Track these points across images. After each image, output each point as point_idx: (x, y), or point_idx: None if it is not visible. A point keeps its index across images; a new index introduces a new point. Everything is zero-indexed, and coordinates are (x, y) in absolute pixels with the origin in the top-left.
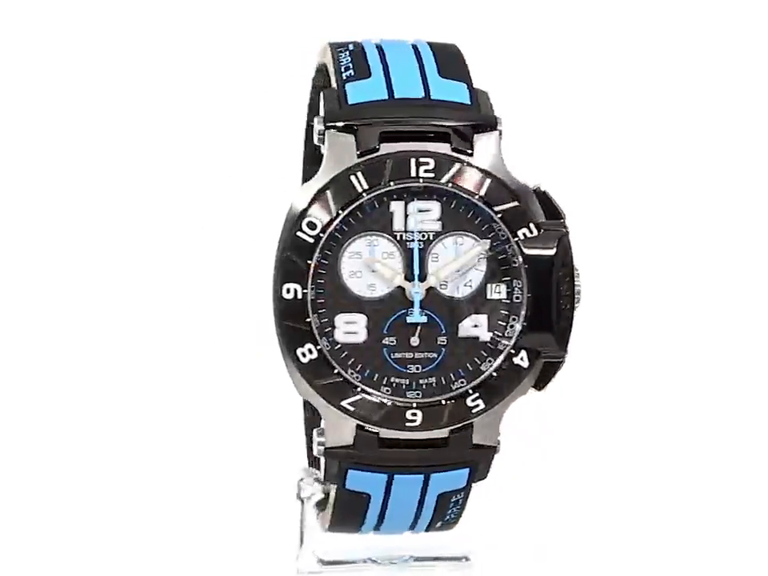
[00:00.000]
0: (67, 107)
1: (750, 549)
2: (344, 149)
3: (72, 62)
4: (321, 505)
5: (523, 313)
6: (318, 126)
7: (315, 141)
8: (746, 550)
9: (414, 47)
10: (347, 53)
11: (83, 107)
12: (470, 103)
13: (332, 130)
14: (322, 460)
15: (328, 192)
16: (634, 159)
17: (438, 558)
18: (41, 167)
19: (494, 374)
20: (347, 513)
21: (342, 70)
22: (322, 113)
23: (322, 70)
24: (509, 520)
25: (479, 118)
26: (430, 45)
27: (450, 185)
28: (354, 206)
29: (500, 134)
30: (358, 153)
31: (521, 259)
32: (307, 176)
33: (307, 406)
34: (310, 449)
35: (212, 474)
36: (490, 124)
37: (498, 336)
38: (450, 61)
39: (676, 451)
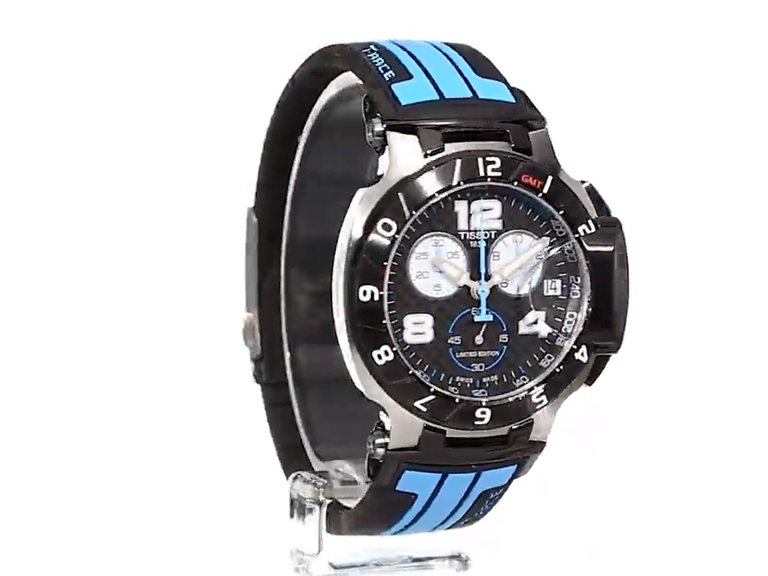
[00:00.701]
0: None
1: None
2: (408, 149)
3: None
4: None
5: (585, 308)
6: (377, 126)
7: (370, 141)
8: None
9: (436, 47)
10: (376, 54)
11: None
12: (514, 101)
13: (393, 131)
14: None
15: (401, 194)
16: (647, 152)
17: (437, 557)
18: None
19: (557, 370)
20: (384, 514)
21: (381, 71)
22: (377, 113)
23: (322, 73)
24: (507, 520)
25: (530, 115)
26: (450, 45)
27: (516, 183)
28: (425, 206)
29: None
30: (424, 153)
31: (582, 255)
32: (268, 176)
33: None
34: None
35: (207, 479)
36: (539, 121)
37: (556, 332)
38: (480, 60)
39: (676, 452)
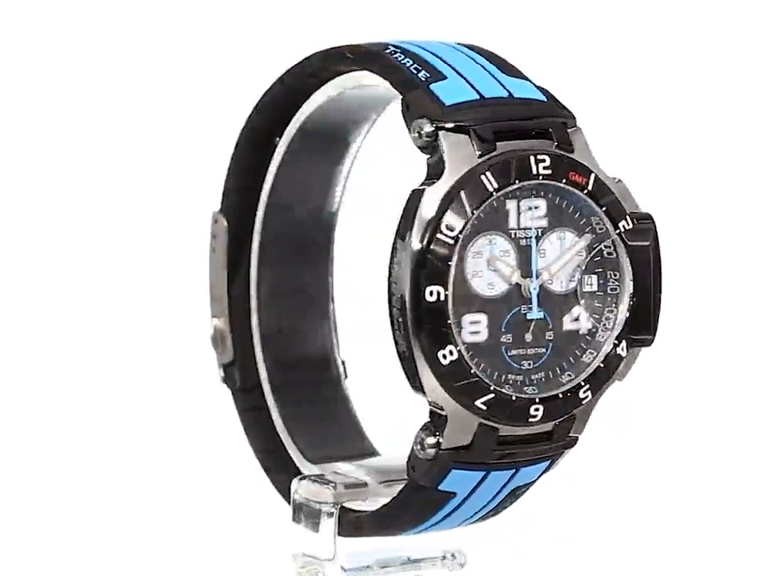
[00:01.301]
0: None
1: None
2: (462, 149)
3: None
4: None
5: (627, 303)
6: (426, 127)
7: (416, 142)
8: None
9: (454, 47)
10: (401, 54)
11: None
12: (546, 99)
13: (444, 131)
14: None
15: (462, 193)
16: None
17: (434, 558)
18: None
19: (601, 365)
20: (416, 514)
21: (413, 71)
22: (422, 114)
23: (319, 75)
24: (503, 520)
25: (564, 113)
26: (465, 45)
27: (564, 181)
28: (484, 205)
29: None
30: (478, 153)
31: (623, 251)
32: (241, 179)
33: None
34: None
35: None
36: (572, 119)
37: (597, 327)
38: (501, 60)
39: (675, 452)
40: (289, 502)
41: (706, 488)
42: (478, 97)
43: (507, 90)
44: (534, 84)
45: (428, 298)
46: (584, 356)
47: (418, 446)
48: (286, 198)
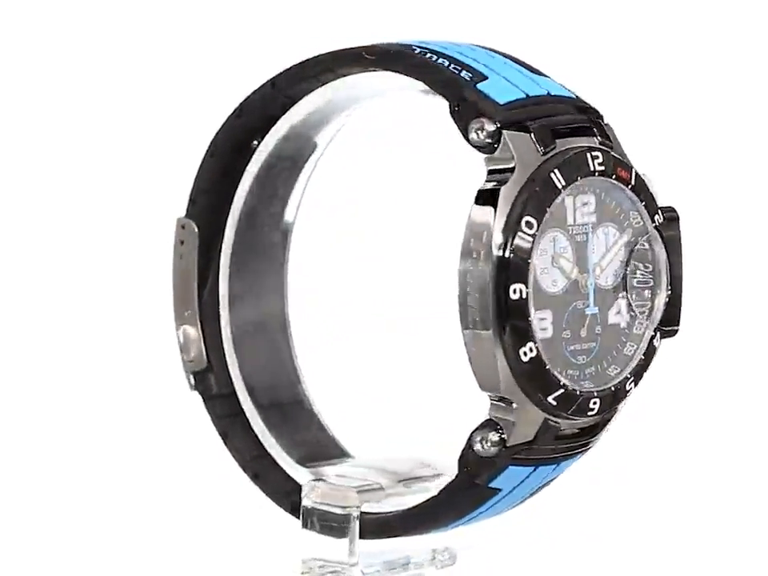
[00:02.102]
0: None
1: None
2: (527, 148)
3: None
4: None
5: (663, 295)
6: (488, 126)
7: (475, 141)
8: None
9: (473, 47)
10: (434, 55)
11: None
12: (575, 97)
13: (508, 130)
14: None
15: (536, 191)
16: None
17: (423, 556)
18: None
19: (642, 357)
20: (455, 513)
21: (454, 71)
22: (480, 113)
23: (316, 78)
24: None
25: (595, 110)
26: (476, 45)
27: (613, 177)
28: (554, 203)
29: None
30: (541, 151)
31: (659, 244)
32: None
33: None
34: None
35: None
36: (602, 115)
37: (633, 320)
38: (517, 59)
39: (674, 452)
40: (285, 508)
41: (706, 487)
42: (524, 96)
43: (545, 89)
44: (557, 82)
45: (512, 296)
46: (625, 349)
47: (479, 445)
48: (250, 203)
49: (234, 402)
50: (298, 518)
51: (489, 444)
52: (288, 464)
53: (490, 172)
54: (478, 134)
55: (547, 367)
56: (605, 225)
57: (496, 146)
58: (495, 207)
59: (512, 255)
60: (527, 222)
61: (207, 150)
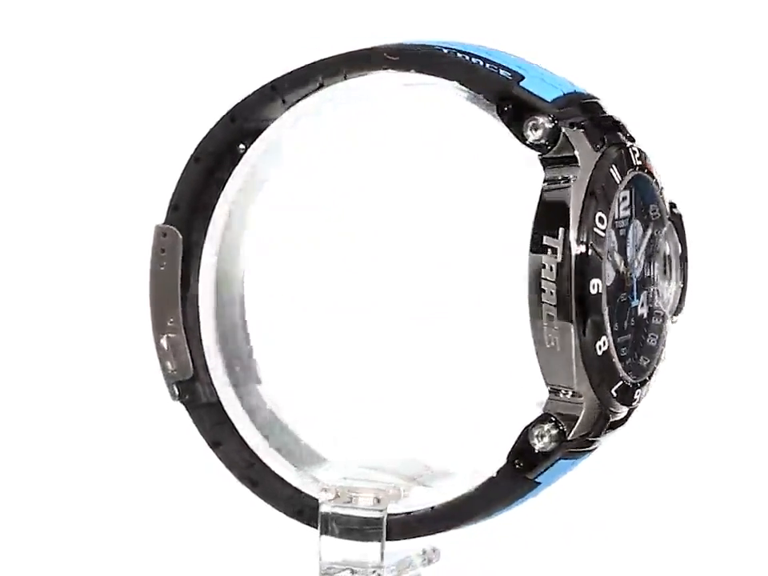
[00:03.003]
0: None
1: None
2: (584, 144)
3: None
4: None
5: (677, 286)
6: (547, 123)
7: (530, 138)
8: None
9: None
10: (465, 55)
11: None
12: (592, 95)
13: (567, 128)
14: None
15: (602, 187)
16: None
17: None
18: None
19: (662, 347)
20: (492, 508)
21: (492, 70)
22: (535, 111)
23: (315, 81)
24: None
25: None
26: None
27: (645, 171)
28: (614, 198)
29: None
30: (594, 147)
31: (673, 235)
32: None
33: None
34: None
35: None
36: None
37: (651, 312)
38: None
39: (674, 452)
40: (286, 513)
41: (705, 487)
42: (562, 93)
43: (572, 87)
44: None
45: (591, 290)
46: (648, 339)
47: (536, 440)
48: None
49: (220, 411)
50: (304, 522)
51: (548, 438)
52: (286, 467)
53: (550, 169)
54: (533, 132)
55: (614, 360)
56: (634, 219)
57: (549, 144)
58: (568, 204)
59: (591, 251)
60: (599, 218)
61: (192, 155)
